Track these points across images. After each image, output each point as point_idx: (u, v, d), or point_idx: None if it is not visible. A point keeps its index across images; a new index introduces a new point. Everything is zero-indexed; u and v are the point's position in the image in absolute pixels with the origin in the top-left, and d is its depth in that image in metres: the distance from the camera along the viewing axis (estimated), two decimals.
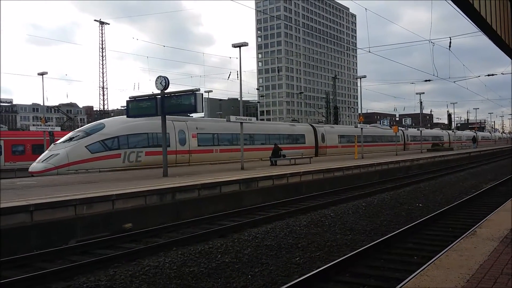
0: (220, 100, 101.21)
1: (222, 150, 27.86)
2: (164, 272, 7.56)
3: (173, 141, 24.44)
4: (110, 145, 22.18)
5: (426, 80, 42.30)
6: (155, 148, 23.29)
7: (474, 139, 64.30)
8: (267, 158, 27.48)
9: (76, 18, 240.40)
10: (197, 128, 26.42)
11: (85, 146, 21.35)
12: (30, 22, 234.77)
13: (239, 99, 25.02)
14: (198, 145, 26.33)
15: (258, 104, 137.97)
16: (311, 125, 38.81)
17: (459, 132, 79.58)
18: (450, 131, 75.20)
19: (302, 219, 12.30)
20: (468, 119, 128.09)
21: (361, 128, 33.97)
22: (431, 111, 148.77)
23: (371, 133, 47.42)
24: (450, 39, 23.37)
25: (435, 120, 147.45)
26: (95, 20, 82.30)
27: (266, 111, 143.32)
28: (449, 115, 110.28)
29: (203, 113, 30.48)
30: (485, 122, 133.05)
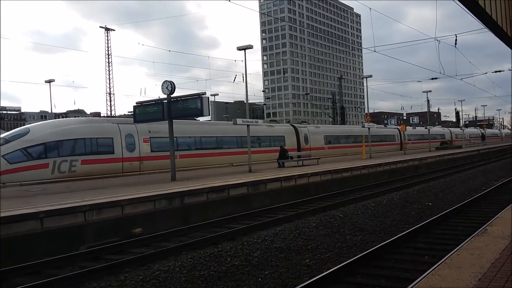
0: (226, 103, 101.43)
1: (183, 156, 24.40)
2: (174, 277, 7.57)
3: (118, 147, 21.89)
4: (35, 154, 19.27)
5: (432, 78, 42.09)
6: (95, 155, 20.95)
7: (483, 136, 63.83)
8: (240, 164, 25.60)
9: (79, 24, 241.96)
10: (150, 132, 23.49)
11: (2, 156, 18.52)
12: (35, 29, 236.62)
13: (245, 101, 25.01)
14: (152, 151, 23.47)
15: (265, 106, 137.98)
16: (292, 125, 35.63)
17: (459, 130, 76.09)
18: (452, 129, 72.16)
19: (311, 220, 12.26)
20: (476, 116, 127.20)
21: (369, 127, 33.19)
22: (438, 109, 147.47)
23: (361, 133, 43.38)
24: (456, 36, 23.16)
25: (443, 118, 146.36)
26: (100, 27, 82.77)
27: (273, 113, 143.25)
28: (457, 113, 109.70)
29: (210, 116, 30.31)
30: (493, 119, 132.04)
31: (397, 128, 50.59)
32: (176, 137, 22.58)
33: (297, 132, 34.51)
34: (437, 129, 62.79)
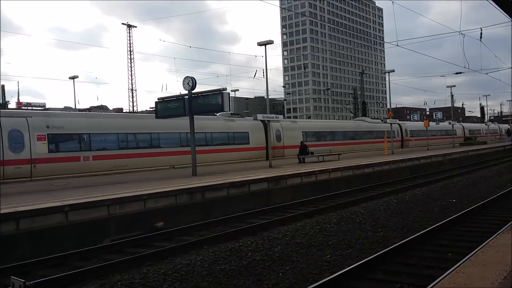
0: (247, 98, 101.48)
1: (97, 156, 20.48)
2: (195, 270, 7.65)
3: None
4: None
5: (457, 73, 41.32)
6: None
7: (509, 132, 62.36)
8: (183, 166, 21.99)
9: (101, 21, 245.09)
10: (48, 127, 19.05)
11: None
12: (58, 26, 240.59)
13: (265, 97, 24.99)
14: (50, 151, 18.97)
15: (285, 101, 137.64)
16: (261, 120, 28.00)
17: (477, 125, 70.40)
18: (465, 124, 65.73)
19: (332, 216, 12.20)
20: (501, 112, 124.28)
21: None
22: (462, 104, 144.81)
23: (351, 129, 40.02)
24: (481, 30, 22.67)
25: (467, 114, 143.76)
26: (122, 24, 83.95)
27: (293, 108, 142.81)
28: (482, 108, 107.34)
29: (230, 111, 30.31)
30: None
31: (398, 123, 45.54)
32: (90, 133, 20.25)
33: (266, 127, 28.60)
34: (446, 125, 55.84)
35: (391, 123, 36.15)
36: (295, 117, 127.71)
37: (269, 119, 27.84)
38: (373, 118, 51.63)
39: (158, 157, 22.92)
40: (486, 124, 75.50)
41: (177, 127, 23.13)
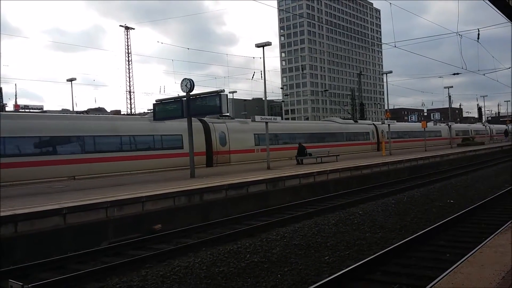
0: (245, 100, 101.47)
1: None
2: (194, 272, 7.64)
3: None
4: None
5: (454, 74, 41.40)
6: None
7: (506, 132, 62.54)
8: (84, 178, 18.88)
9: (98, 22, 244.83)
10: None
11: None
12: (54, 28, 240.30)
13: (263, 99, 25.00)
14: None
15: (283, 103, 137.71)
16: (201, 121, 25.47)
17: (465, 126, 65.21)
18: (454, 124, 59.57)
19: (330, 217, 12.21)
20: (499, 112, 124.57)
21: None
22: (460, 105, 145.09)
23: (317, 130, 35.61)
24: (479, 30, 22.73)
25: (465, 114, 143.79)
26: (120, 26, 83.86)
27: (291, 110, 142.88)
28: (479, 109, 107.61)
29: (229, 114, 30.16)
30: None
31: (373, 124, 42.48)
32: None
33: (208, 129, 25.52)
34: (431, 125, 51.73)
35: (366, 124, 35.00)
36: (293, 118, 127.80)
37: (215, 120, 26.22)
38: (345, 119, 46.83)
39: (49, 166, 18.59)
40: (483, 125, 75.11)
41: (86, 129, 20.02)
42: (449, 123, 55.11)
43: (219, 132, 26.23)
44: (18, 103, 78.23)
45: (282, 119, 43.98)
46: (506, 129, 68.80)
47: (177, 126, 23.16)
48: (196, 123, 24.11)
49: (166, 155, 23.00)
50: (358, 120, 41.91)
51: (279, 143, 30.27)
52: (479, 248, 6.00)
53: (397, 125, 43.82)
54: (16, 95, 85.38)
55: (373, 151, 38.99)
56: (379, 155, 30.82)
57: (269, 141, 27.16)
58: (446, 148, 39.38)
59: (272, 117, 26.27)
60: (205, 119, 25.88)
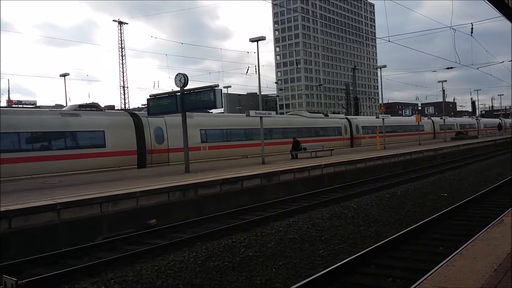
0: (239, 95, 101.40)
1: None
2: (189, 267, 7.65)
3: None
4: None
5: (448, 68, 41.51)
6: None
7: (500, 126, 62.90)
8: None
9: (91, 17, 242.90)
10: None
11: None
12: (46, 22, 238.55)
13: (258, 93, 24.95)
14: None
15: (277, 97, 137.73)
16: (132, 115, 23.10)
17: (451, 120, 59.34)
18: (436, 118, 55.36)
19: (324, 211, 12.25)
20: (492, 106, 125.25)
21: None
22: (454, 99, 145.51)
23: (278, 126, 31.44)
24: (472, 25, 22.80)
25: (458, 108, 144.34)
26: (113, 20, 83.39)
27: (286, 104, 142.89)
28: (473, 103, 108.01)
29: (223, 109, 29.97)
30: (510, 108, 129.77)
31: (346, 118, 39.40)
32: None
33: (139, 125, 22.44)
34: (411, 119, 48.39)
35: (337, 118, 32.36)
36: (288, 113, 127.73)
37: (143, 113, 23.25)
38: (314, 113, 42.34)
39: None
40: (476, 119, 74.81)
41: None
42: (432, 118, 52.33)
43: (155, 128, 23.02)
44: (11, 98, 77.72)
45: (277, 113, 43.27)
46: (499, 123, 69.15)
47: (99, 120, 20.88)
48: (124, 118, 22.35)
49: (82, 155, 19.79)
50: (330, 114, 38.30)
51: (232, 140, 27.44)
52: (472, 241, 6.05)
53: (377, 119, 39.80)
54: (9, 91, 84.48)
55: (346, 147, 35.91)
56: (377, 148, 30.87)
57: (219, 138, 26.37)
58: (431, 143, 38.16)
59: (267, 111, 26.17)
60: (138, 112, 23.83)
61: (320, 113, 40.48)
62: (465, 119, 69.49)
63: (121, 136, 21.36)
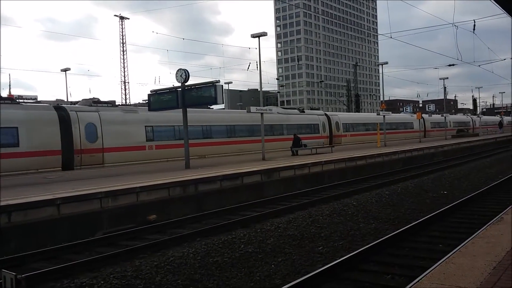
0: (240, 91, 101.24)
1: None
2: (188, 262, 7.66)
3: None
4: None
5: (450, 65, 41.37)
6: None
7: (501, 124, 62.84)
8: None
9: (91, 12, 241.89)
10: None
11: None
12: (47, 17, 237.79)
13: (259, 89, 24.91)
14: None
15: (278, 94, 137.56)
16: (58, 108, 20.23)
17: (436, 117, 53.95)
18: (426, 116, 50.93)
19: (324, 208, 12.25)
20: (494, 104, 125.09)
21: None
22: (455, 96, 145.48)
23: (242, 122, 27.46)
24: (474, 21, 22.73)
25: (459, 106, 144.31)
26: (115, 15, 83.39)
27: (287, 101, 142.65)
28: (474, 100, 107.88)
29: (223, 104, 29.70)
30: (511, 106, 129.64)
31: (325, 114, 35.59)
32: None
33: (66, 121, 19.60)
34: (398, 116, 44.97)
35: (315, 114, 29.05)
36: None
37: (77, 107, 20.82)
38: (288, 108, 38.23)
39: None
40: (472, 116, 73.71)
41: None
42: (423, 115, 48.85)
43: (86, 124, 20.05)
44: (12, 93, 77.67)
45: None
46: (500, 120, 69.07)
47: (10, 115, 17.64)
48: (46, 112, 19.43)
49: None
50: (307, 110, 34.01)
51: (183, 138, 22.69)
52: (471, 239, 6.05)
53: (360, 116, 37.15)
54: (10, 85, 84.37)
55: (324, 146, 29.71)
56: (377, 145, 30.84)
57: (170, 137, 23.16)
58: (416, 142, 35.47)
59: (268, 107, 26.12)
60: (65, 106, 21.04)
61: (295, 108, 37.04)
62: (459, 117, 65.98)
63: (40, 134, 18.41)
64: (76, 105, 22.25)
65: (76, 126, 19.67)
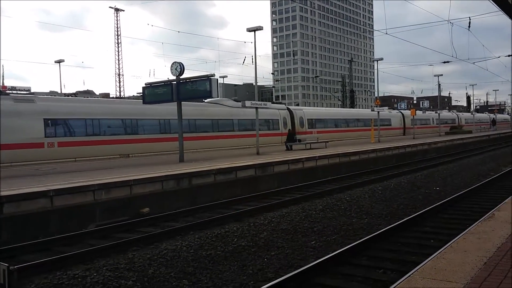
0: (235, 85, 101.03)
1: None
2: (181, 255, 7.67)
3: None
4: None
5: (444, 62, 41.53)
6: None
7: (494, 122, 63.23)
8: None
9: (85, 2, 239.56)
10: None
11: None
12: (40, 7, 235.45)
13: (254, 84, 24.86)
14: None
15: (273, 88, 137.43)
16: None
17: (426, 114, 51.96)
18: (406, 112, 45.87)
19: (317, 203, 12.30)
20: (487, 101, 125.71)
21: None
22: (449, 93, 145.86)
23: (187, 117, 22.03)
24: (470, 19, 22.85)
25: (453, 103, 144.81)
26: (110, 7, 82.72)
27: (281, 95, 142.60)
28: (468, 97, 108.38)
29: (218, 98, 29.41)
30: (505, 104, 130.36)
31: (287, 109, 32.79)
32: None
33: None
34: (364, 112, 41.53)
35: (275, 109, 26.44)
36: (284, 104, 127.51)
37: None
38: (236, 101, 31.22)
39: None
40: (470, 114, 73.91)
41: None
42: (402, 111, 46.00)
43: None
44: (5, 84, 77.00)
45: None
46: (493, 118, 69.53)
47: None
48: None
49: None
50: (268, 103, 27.25)
51: (106, 134, 21.06)
52: (463, 235, 6.10)
53: (332, 111, 34.35)
54: (3, 76, 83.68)
55: (283, 143, 26.17)
56: (371, 140, 30.90)
57: (81, 132, 19.88)
58: (406, 139, 35.41)
59: (262, 102, 26.08)
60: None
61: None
62: (445, 114, 60.33)
63: None
64: None
65: None
